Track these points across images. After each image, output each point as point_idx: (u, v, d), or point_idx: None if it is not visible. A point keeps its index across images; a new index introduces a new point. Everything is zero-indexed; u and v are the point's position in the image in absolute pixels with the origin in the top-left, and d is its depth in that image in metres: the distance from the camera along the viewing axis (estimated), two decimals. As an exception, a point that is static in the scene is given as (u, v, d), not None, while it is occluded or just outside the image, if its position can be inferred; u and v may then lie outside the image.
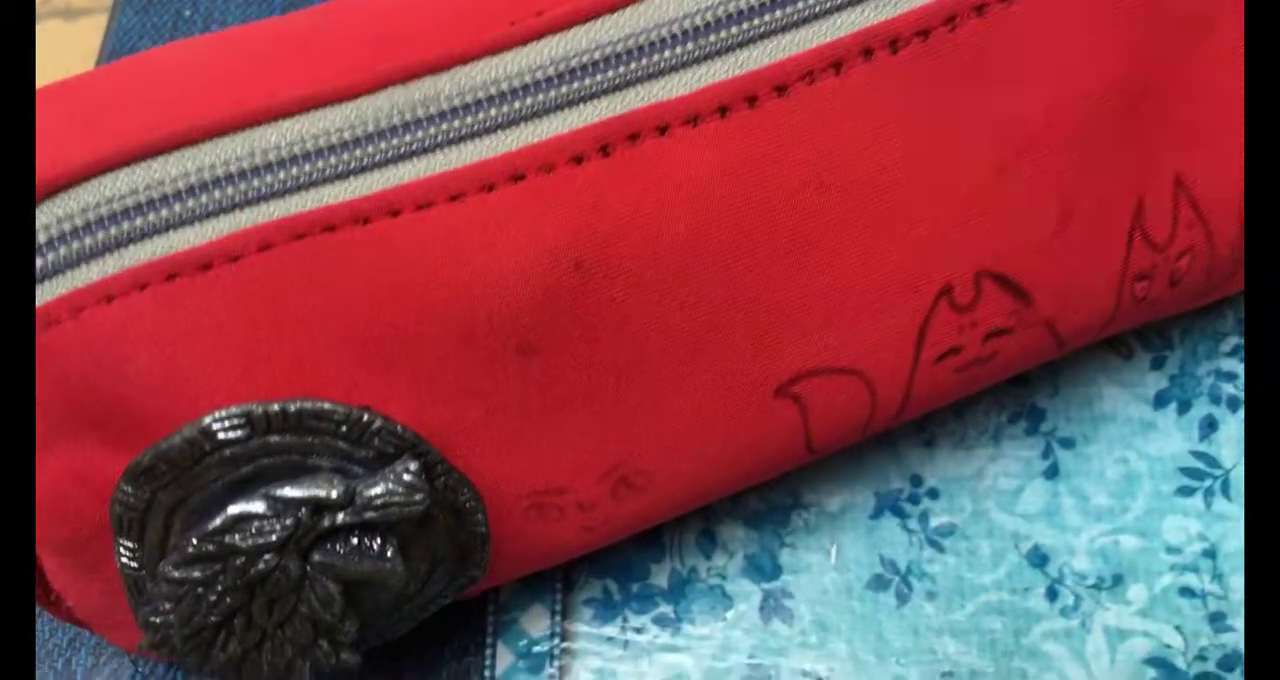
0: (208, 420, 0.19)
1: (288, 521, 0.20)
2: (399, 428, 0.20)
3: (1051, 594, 0.28)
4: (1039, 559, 0.28)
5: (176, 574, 0.20)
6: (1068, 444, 0.30)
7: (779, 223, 0.22)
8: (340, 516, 0.20)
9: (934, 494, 0.29)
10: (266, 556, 0.20)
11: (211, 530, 0.20)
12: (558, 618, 0.28)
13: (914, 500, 0.29)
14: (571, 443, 0.22)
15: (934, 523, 0.29)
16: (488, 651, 0.28)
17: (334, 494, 0.20)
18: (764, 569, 0.29)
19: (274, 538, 0.20)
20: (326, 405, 0.20)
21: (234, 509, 0.20)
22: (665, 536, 0.29)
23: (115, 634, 0.24)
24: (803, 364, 0.23)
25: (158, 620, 0.21)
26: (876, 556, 0.29)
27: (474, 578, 0.22)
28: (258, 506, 0.20)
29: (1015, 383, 0.30)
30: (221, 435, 0.20)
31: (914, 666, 0.28)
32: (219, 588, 0.20)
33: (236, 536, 0.20)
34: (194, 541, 0.20)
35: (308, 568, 0.20)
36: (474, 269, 0.20)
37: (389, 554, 0.21)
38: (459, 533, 0.22)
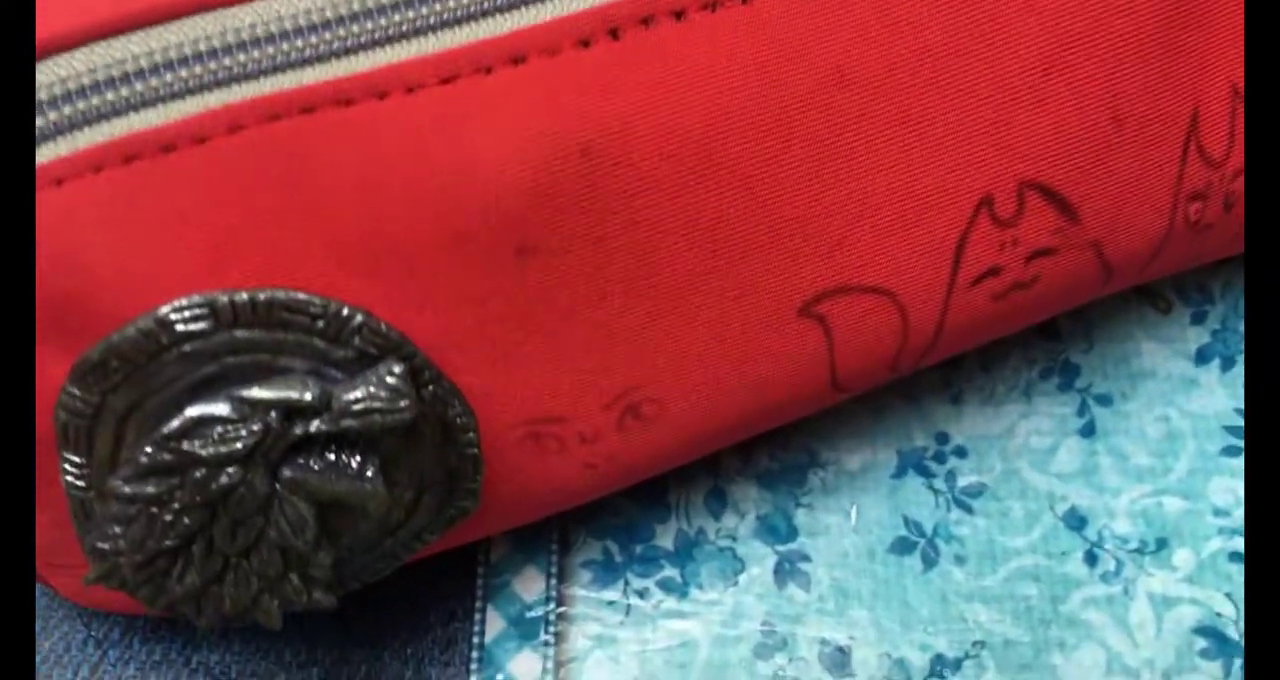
0: (165, 310, 0.17)
1: (255, 427, 0.17)
2: (383, 325, 0.18)
3: (1091, 558, 0.26)
4: (1076, 521, 0.26)
5: (128, 489, 0.18)
6: (1104, 401, 0.27)
7: (802, 120, 0.20)
8: (315, 424, 0.18)
9: (961, 452, 0.27)
10: (230, 469, 0.18)
11: (168, 435, 0.17)
12: (553, 580, 0.26)
13: (940, 459, 0.27)
14: (574, 362, 0.20)
15: (962, 482, 0.27)
16: (477, 617, 0.25)
17: (308, 396, 0.17)
18: (778, 531, 0.26)
19: (239, 445, 0.17)
20: (301, 296, 0.17)
21: (194, 411, 0.17)
22: (671, 495, 0.27)
23: (62, 579, 0.21)
24: (829, 280, 0.21)
25: (106, 546, 0.18)
26: (900, 518, 0.26)
27: (464, 510, 0.20)
28: (221, 409, 0.17)
29: (1047, 337, 0.28)
30: (181, 327, 0.17)
31: (942, 635, 0.25)
32: (175, 506, 0.18)
33: (197, 443, 0.17)
34: (148, 449, 0.17)
35: (277, 486, 0.18)
36: (468, 155, 0.18)
37: (369, 473, 0.18)
38: (448, 453, 0.19)
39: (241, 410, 0.17)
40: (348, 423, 0.18)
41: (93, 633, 0.25)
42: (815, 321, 0.21)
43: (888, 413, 0.28)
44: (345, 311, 0.18)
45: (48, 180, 0.18)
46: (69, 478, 0.18)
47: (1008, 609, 0.25)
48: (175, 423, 0.17)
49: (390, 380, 0.18)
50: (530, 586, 0.26)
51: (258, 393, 0.17)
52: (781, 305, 0.21)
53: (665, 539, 0.26)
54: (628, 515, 0.27)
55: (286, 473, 0.18)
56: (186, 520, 0.18)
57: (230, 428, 0.17)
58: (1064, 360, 0.28)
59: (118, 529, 0.18)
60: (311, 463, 0.18)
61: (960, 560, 0.26)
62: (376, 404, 0.17)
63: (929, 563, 0.26)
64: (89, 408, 0.18)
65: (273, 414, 0.17)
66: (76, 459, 0.18)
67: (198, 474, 0.17)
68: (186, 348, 0.17)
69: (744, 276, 0.20)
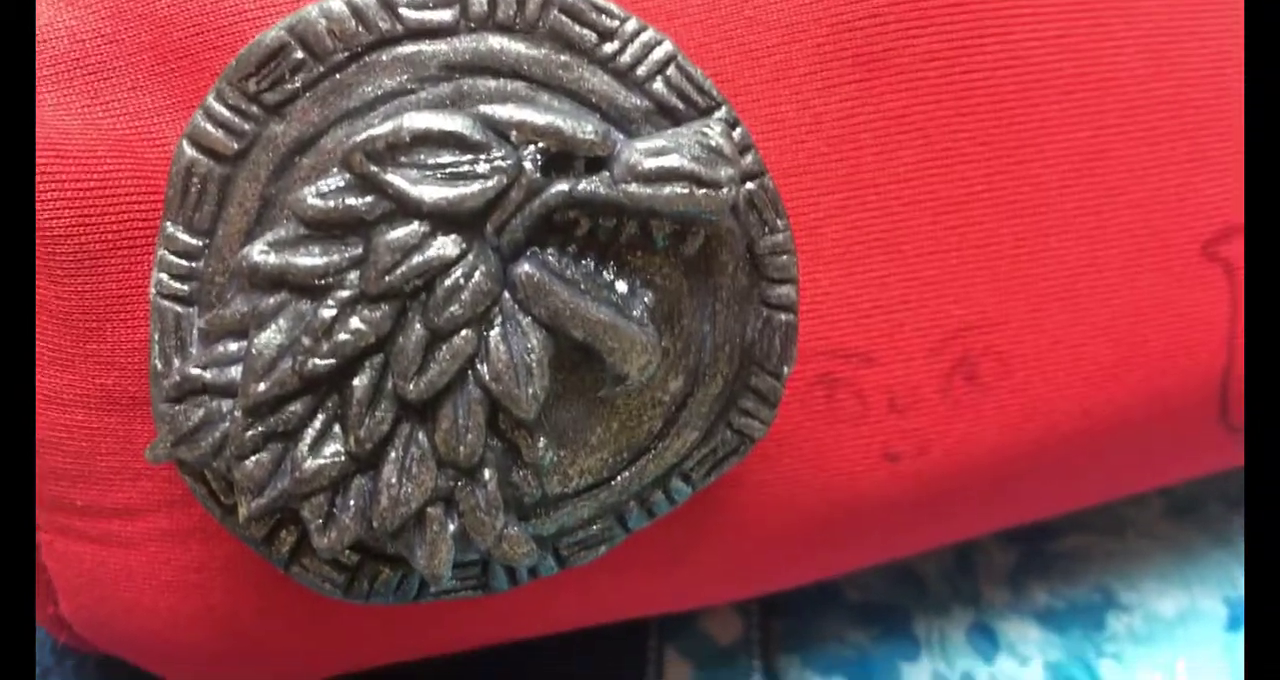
0: (387, -17, 0.11)
1: (503, 162, 0.11)
2: (697, 71, 0.12)
3: None
4: None
5: (274, 259, 0.11)
6: None
7: None
8: (588, 182, 0.11)
9: (1310, 608, 0.20)
10: (447, 236, 0.11)
11: (365, 147, 0.11)
12: (760, 722, 0.17)
13: (1283, 612, 0.20)
14: (905, 266, 0.14)
15: (1322, 643, 0.19)
16: (648, 762, 0.17)
17: (589, 132, 0.11)
18: (1078, 683, 0.18)
19: (474, 189, 0.11)
20: (593, -4, 0.12)
21: (415, 121, 0.11)
22: (917, 626, 0.19)
23: (65, 544, 0.14)
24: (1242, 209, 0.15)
25: (208, 376, 0.11)
26: (1247, 681, 0.18)
27: (749, 433, 0.13)
28: (459, 125, 0.11)
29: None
30: (411, 13, 0.11)
31: None
32: (344, 294, 0.11)
33: (411, 174, 0.11)
34: (323, 185, 0.11)
35: (505, 292, 0.11)
36: None
37: (636, 311, 0.12)
38: (747, 305, 0.12)
39: (486, 134, 0.11)
40: (636, 189, 0.11)
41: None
42: (1219, 268, 0.15)
43: (1194, 554, 0.21)
44: (649, 36, 0.12)
45: None
46: (163, 275, 0.11)
47: None
48: (382, 129, 0.11)
49: (709, 136, 0.11)
50: (727, 726, 0.17)
51: (516, 113, 0.11)
52: (1183, 235, 0.15)
53: (917, 681, 0.18)
54: (858, 646, 0.19)
55: (525, 269, 0.11)
56: (358, 323, 0.11)
57: (464, 159, 0.11)
58: None
59: (233, 346, 0.11)
60: (564, 264, 0.11)
61: (1350, 742, 0.18)
62: (686, 164, 0.11)
63: (1306, 742, 0.18)
64: (236, 139, 0.11)
65: (534, 150, 0.11)
66: (188, 238, 0.11)
67: (394, 235, 0.11)
68: (409, 48, 0.11)
69: (1139, 179, 0.15)
